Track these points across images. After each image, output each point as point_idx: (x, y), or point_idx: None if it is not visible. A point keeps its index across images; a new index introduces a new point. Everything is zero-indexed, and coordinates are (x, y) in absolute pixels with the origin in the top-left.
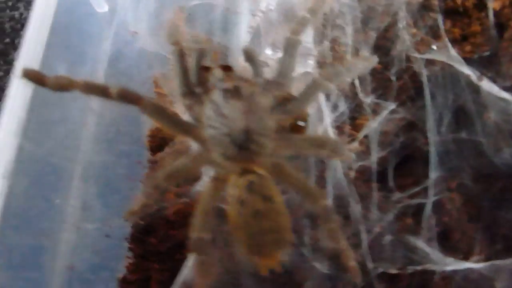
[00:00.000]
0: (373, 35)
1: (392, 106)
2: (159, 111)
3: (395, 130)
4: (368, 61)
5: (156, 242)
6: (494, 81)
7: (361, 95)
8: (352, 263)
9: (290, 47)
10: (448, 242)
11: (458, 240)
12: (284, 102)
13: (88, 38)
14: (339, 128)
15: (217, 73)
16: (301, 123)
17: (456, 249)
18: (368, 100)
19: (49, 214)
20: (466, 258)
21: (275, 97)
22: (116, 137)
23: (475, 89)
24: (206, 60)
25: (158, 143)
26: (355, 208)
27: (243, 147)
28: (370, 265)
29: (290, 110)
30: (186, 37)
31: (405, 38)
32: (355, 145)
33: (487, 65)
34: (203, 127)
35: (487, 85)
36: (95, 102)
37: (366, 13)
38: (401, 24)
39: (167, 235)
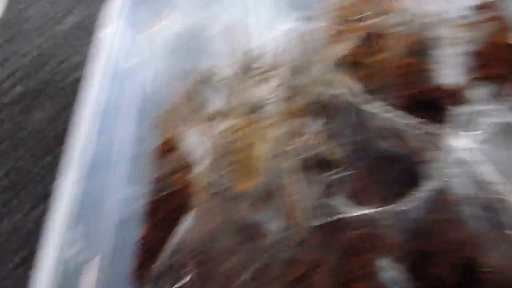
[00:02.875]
0: None
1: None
2: None
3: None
4: None
5: (163, 215)
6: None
7: None
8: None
9: None
10: (357, 198)
11: (361, 196)
12: None
13: None
14: None
15: None
16: None
17: (359, 202)
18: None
19: None
20: (367, 208)
21: None
22: None
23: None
24: None
25: None
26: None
27: None
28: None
29: None
30: None
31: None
32: None
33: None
34: None
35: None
36: None
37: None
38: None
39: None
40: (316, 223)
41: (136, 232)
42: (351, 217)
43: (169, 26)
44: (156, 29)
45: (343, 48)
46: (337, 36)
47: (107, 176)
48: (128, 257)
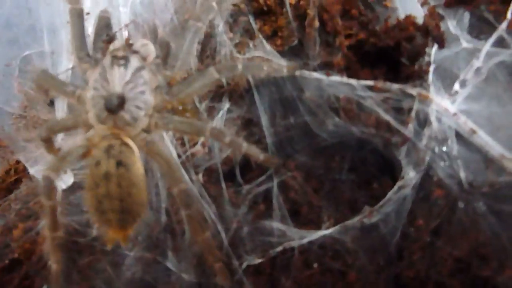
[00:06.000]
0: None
1: (226, 105)
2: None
3: (234, 129)
4: None
5: None
6: (305, 64)
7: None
8: (218, 264)
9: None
10: (299, 217)
11: (307, 212)
12: (172, 84)
13: None
14: (179, 139)
15: (117, 42)
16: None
17: (308, 221)
18: (202, 105)
19: None
20: (318, 227)
21: (164, 76)
22: None
23: (291, 77)
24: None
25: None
26: (210, 210)
27: (114, 112)
28: (235, 262)
29: (175, 92)
30: None
31: (226, 43)
32: (198, 148)
33: (298, 52)
34: (88, 89)
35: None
36: None
37: None
38: (219, 31)
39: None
40: (253, 261)
41: None
42: (300, 244)
43: None
44: None
45: None
46: None
47: None
48: None
